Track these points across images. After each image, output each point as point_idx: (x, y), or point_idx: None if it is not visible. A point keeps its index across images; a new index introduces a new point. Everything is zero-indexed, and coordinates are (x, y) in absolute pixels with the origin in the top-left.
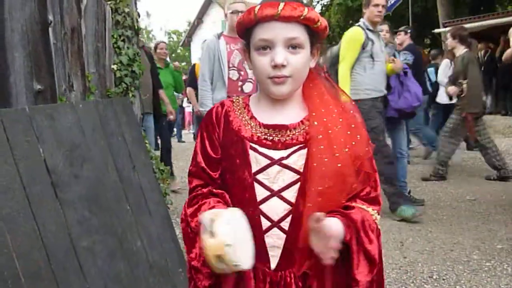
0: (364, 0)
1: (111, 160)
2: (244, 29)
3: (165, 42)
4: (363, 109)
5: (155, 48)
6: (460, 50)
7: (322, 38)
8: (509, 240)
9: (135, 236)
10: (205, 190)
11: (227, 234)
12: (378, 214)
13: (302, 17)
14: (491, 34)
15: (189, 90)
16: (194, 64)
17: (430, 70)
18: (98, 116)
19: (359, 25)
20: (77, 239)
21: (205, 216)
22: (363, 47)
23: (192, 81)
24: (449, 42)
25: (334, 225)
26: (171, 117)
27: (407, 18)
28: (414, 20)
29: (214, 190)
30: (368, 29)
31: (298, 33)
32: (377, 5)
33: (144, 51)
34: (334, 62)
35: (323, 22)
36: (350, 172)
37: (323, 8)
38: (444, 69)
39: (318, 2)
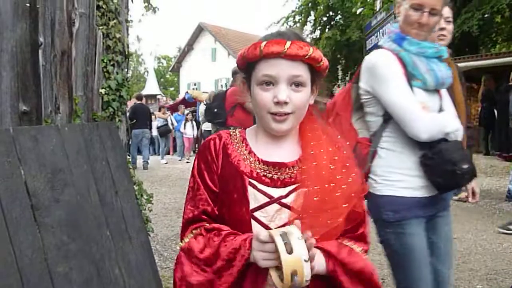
0: None
1: (94, 185)
2: (246, 63)
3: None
4: None
5: None
6: None
7: (322, 77)
8: (489, 281)
9: (113, 263)
10: (208, 225)
11: (303, 249)
12: (366, 253)
13: (307, 57)
14: (474, 75)
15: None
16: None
17: None
18: (83, 140)
19: None
20: (54, 264)
21: (274, 232)
22: None
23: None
24: None
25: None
26: None
27: None
28: None
29: (214, 225)
30: None
31: (302, 71)
32: None
33: None
34: None
35: (325, 61)
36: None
37: (312, 42)
38: None
39: (307, 35)
